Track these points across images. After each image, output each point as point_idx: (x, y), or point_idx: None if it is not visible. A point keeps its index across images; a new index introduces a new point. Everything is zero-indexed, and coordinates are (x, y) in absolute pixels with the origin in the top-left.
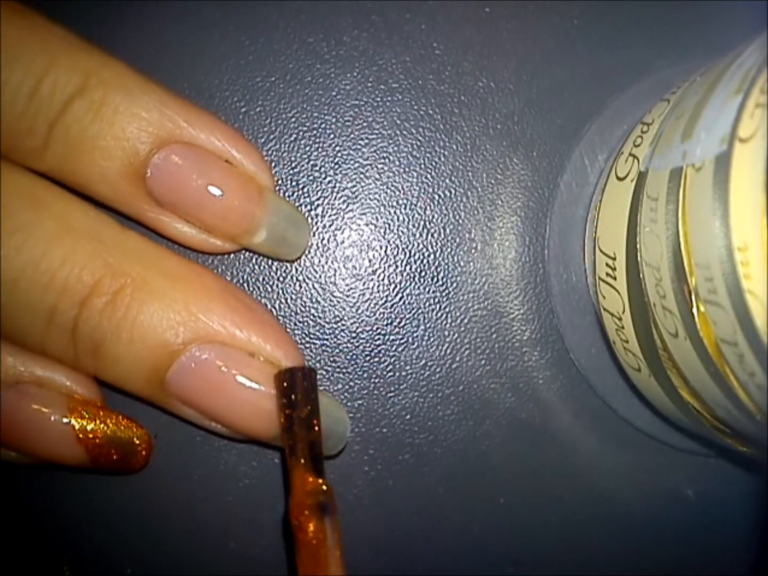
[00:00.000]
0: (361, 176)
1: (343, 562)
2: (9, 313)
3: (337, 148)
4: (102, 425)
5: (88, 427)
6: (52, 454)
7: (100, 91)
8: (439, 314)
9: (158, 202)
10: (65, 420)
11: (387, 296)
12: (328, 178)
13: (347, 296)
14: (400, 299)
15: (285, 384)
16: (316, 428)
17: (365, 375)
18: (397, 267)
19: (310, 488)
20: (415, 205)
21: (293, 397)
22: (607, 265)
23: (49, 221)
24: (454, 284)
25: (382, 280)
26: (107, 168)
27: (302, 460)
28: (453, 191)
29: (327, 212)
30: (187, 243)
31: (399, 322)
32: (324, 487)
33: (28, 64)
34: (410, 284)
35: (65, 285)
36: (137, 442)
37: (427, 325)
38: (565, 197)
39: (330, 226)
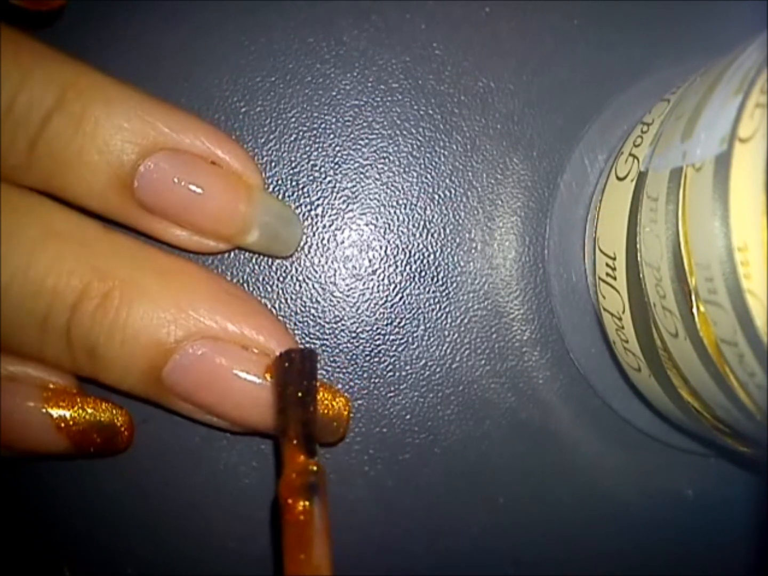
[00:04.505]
0: (361, 176)
1: (329, 544)
2: (4, 324)
3: (337, 148)
4: (80, 411)
5: (67, 415)
6: (35, 446)
7: (79, 103)
8: (439, 314)
9: (148, 210)
10: (43, 411)
11: (387, 296)
12: (328, 178)
13: (347, 296)
14: (400, 299)
15: (281, 365)
16: (311, 409)
17: (365, 375)
18: (397, 267)
19: (300, 468)
20: (415, 205)
21: (288, 377)
22: (607, 265)
23: (32, 228)
24: (454, 284)
25: (382, 280)
26: (94, 182)
27: (294, 441)
28: (453, 191)
29: (327, 212)
30: (181, 246)
31: (399, 322)
32: (314, 467)
33: (0, 80)
34: (410, 284)
35: (55, 291)
36: (118, 422)
37: (427, 325)
38: (565, 197)
39: (330, 226)
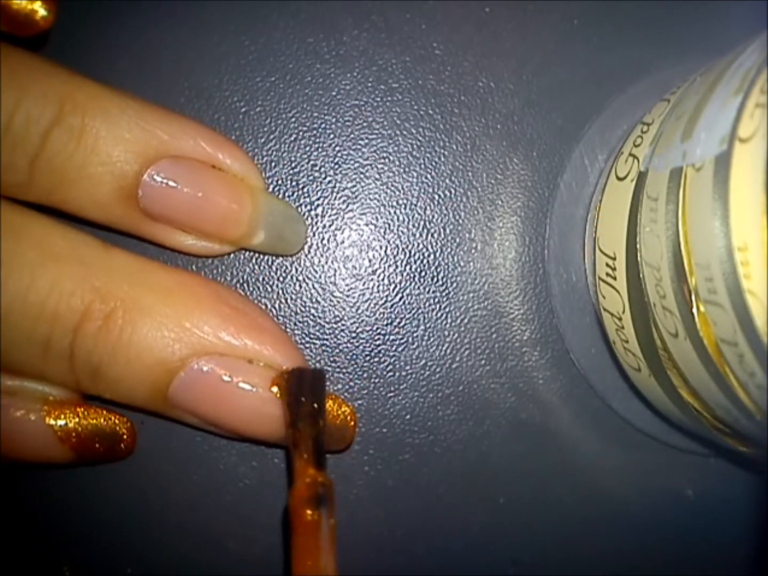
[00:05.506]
0: (361, 176)
1: (335, 553)
2: (5, 347)
3: (337, 148)
4: (82, 421)
5: (68, 426)
6: (38, 457)
7: (78, 116)
8: (439, 314)
9: (153, 218)
10: (44, 423)
11: (387, 296)
12: (328, 178)
13: (347, 296)
14: (400, 299)
15: (293, 382)
16: (321, 424)
17: (365, 375)
18: (397, 267)
19: (310, 480)
20: (415, 205)
21: (300, 394)
22: (607, 265)
23: (30, 250)
24: (454, 284)
25: (382, 280)
26: (97, 194)
27: (305, 455)
28: (453, 191)
29: (327, 212)
30: (187, 251)
31: (399, 322)
32: (323, 480)
33: None
34: (410, 284)
35: (56, 314)
36: (119, 431)
37: (427, 325)
38: (565, 197)
39: (330, 226)
